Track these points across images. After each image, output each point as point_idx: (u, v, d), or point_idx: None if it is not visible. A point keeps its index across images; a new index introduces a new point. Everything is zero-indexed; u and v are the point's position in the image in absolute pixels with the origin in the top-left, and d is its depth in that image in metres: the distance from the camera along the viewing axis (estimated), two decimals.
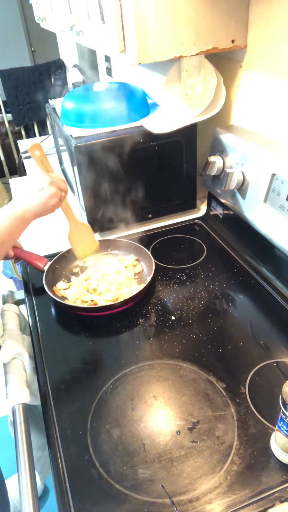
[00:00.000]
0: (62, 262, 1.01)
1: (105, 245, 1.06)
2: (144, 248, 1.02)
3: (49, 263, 0.98)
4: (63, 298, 0.92)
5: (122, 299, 0.88)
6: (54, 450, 0.65)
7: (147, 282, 0.92)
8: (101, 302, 0.89)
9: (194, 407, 0.68)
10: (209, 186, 1.14)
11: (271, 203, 0.88)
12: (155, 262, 1.00)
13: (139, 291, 0.89)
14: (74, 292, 0.92)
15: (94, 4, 0.95)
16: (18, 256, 0.98)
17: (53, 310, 0.93)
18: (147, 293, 0.94)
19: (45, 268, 0.96)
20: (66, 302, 0.90)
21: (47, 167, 0.84)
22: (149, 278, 0.93)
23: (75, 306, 0.89)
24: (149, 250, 1.03)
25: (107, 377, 0.75)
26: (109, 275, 0.96)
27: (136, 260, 1.03)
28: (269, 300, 0.90)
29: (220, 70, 1.07)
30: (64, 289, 0.96)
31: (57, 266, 0.99)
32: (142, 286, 0.92)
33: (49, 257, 1.01)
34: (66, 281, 0.99)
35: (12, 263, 2.36)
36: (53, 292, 0.92)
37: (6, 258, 0.94)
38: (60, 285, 0.97)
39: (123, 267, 1.00)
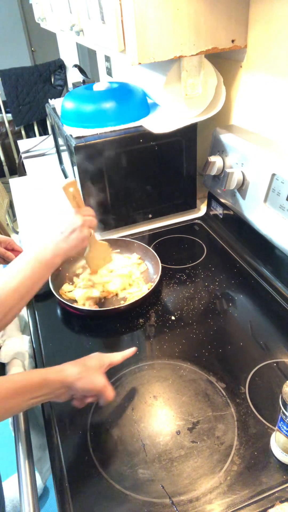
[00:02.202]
0: (65, 264, 1.01)
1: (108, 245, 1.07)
2: (149, 247, 1.02)
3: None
4: (71, 300, 0.92)
5: (132, 300, 0.88)
6: (54, 450, 0.65)
7: (155, 282, 0.92)
8: (112, 287, 0.91)
9: (194, 407, 0.68)
10: (209, 186, 1.14)
11: (271, 203, 0.88)
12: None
13: (149, 291, 0.89)
14: (82, 293, 0.92)
15: (94, 4, 0.95)
16: None
17: (53, 310, 0.93)
18: (148, 293, 0.94)
19: None
20: (75, 305, 0.90)
21: (79, 203, 0.79)
22: (155, 277, 0.93)
23: (85, 309, 0.88)
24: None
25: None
26: (115, 270, 0.97)
27: (140, 259, 1.03)
28: (269, 300, 0.90)
29: (220, 70, 1.07)
30: (70, 291, 0.95)
31: (60, 269, 0.99)
32: (150, 285, 0.92)
33: None
34: (70, 283, 0.98)
35: None
36: (60, 295, 0.92)
37: (8, 262, 0.93)
38: (66, 288, 0.96)
39: (129, 263, 1.00)
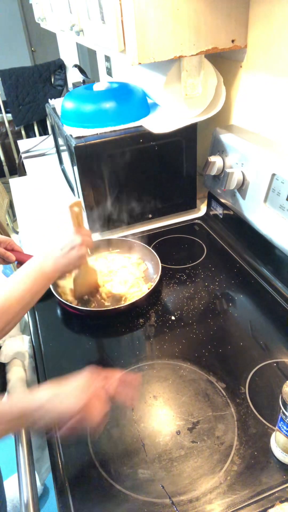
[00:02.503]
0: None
1: (107, 245, 1.07)
2: (149, 247, 1.02)
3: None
4: (68, 300, 0.92)
5: (132, 300, 0.88)
6: (54, 450, 0.65)
7: (155, 282, 0.92)
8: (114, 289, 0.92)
9: (194, 407, 0.68)
10: (209, 186, 1.14)
11: (271, 203, 0.88)
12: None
13: (150, 291, 0.89)
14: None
15: (94, 4, 0.95)
16: (20, 260, 0.98)
17: (53, 310, 0.93)
18: (148, 293, 0.94)
19: None
20: (74, 305, 0.90)
21: (80, 222, 0.81)
22: (155, 277, 0.93)
23: (85, 309, 0.88)
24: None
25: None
26: (115, 271, 0.97)
27: (140, 259, 1.03)
28: (269, 300, 0.90)
29: (220, 70, 1.07)
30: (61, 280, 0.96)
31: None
32: (150, 285, 0.92)
33: None
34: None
35: (12, 264, 2.35)
36: (60, 294, 0.92)
37: (8, 262, 0.93)
38: (60, 282, 0.97)
39: (129, 263, 1.00)
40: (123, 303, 0.88)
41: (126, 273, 0.97)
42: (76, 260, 0.77)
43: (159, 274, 0.93)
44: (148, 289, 0.91)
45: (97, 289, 0.94)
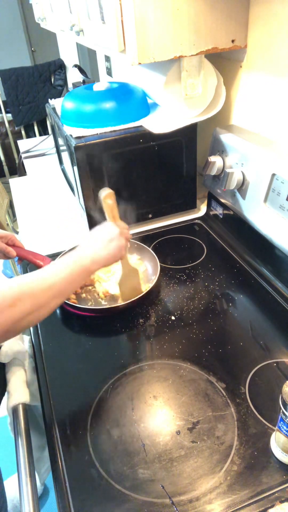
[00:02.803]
0: None
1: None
2: (148, 247, 1.02)
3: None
4: (74, 302, 0.92)
5: (129, 300, 0.88)
6: (54, 450, 0.65)
7: (152, 283, 0.92)
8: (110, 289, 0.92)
9: (194, 407, 0.68)
10: (209, 186, 1.14)
11: (271, 203, 0.88)
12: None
13: (146, 292, 0.89)
14: None
15: (94, 4, 0.95)
16: (21, 256, 0.98)
17: None
18: (147, 293, 0.94)
19: None
20: (71, 302, 0.90)
21: (115, 216, 0.82)
22: (154, 278, 0.93)
23: (81, 307, 0.89)
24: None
25: (107, 377, 0.75)
26: (113, 271, 0.97)
27: (139, 259, 1.03)
28: (269, 300, 0.90)
29: (220, 70, 1.07)
30: None
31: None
32: (148, 286, 0.92)
33: (52, 256, 1.01)
34: None
35: (12, 263, 2.36)
36: None
37: (8, 257, 0.93)
38: None
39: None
40: (120, 303, 0.89)
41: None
42: (116, 252, 0.76)
43: (157, 275, 0.93)
44: (145, 290, 0.91)
45: (140, 291, 0.92)
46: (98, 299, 0.93)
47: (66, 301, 0.88)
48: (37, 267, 0.98)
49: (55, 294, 0.66)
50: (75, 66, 2.32)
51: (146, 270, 1.00)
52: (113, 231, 0.77)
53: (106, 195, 0.80)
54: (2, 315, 0.57)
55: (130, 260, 1.02)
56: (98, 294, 0.94)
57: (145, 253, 1.02)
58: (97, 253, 0.74)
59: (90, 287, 0.97)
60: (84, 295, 0.95)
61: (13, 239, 0.95)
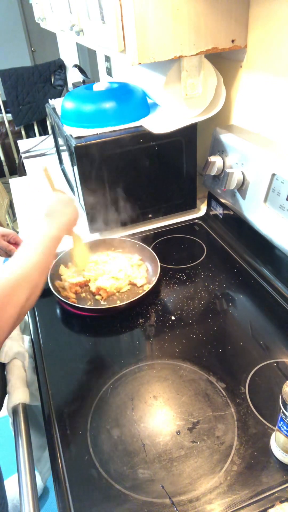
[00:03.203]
0: (67, 261, 1.02)
1: (108, 245, 1.07)
2: (149, 247, 1.02)
3: (54, 261, 0.98)
4: (67, 297, 0.92)
5: (128, 301, 0.88)
6: (54, 450, 0.65)
7: (152, 283, 0.92)
8: (105, 283, 0.93)
9: (194, 407, 0.68)
10: (209, 186, 1.14)
11: (271, 203, 0.88)
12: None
13: (145, 293, 0.89)
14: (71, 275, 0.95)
15: (94, 4, 0.95)
16: None
17: (53, 310, 0.93)
18: (147, 293, 0.94)
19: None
20: (71, 302, 0.90)
21: (54, 185, 0.87)
22: (154, 279, 0.93)
23: (79, 306, 0.89)
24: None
25: (107, 377, 0.75)
26: (112, 270, 0.98)
27: (140, 260, 1.03)
28: (269, 300, 0.90)
29: (220, 70, 1.07)
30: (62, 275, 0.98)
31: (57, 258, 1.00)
32: (147, 286, 0.92)
33: None
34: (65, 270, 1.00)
35: None
36: (58, 291, 0.92)
37: (10, 255, 0.94)
38: (63, 271, 0.99)
39: (129, 264, 1.00)
40: (119, 303, 0.89)
41: (122, 277, 0.97)
42: (75, 214, 0.81)
43: (157, 275, 0.93)
44: (144, 290, 0.91)
45: (88, 255, 0.98)
46: (96, 299, 0.93)
47: (66, 301, 0.88)
48: None
49: (42, 270, 0.69)
50: (75, 66, 2.32)
51: (147, 270, 1.00)
52: (64, 198, 0.82)
53: (44, 169, 0.86)
54: (9, 306, 0.60)
55: (131, 260, 1.03)
56: (93, 292, 0.94)
57: (146, 253, 1.02)
58: (60, 221, 0.77)
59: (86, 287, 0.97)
60: (83, 294, 0.95)
61: (15, 237, 0.95)
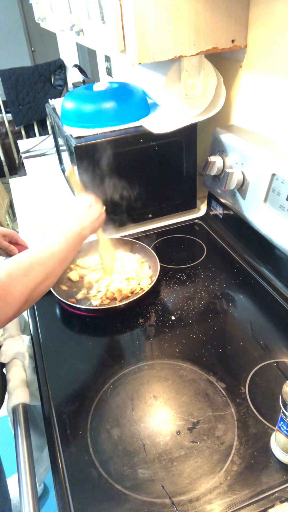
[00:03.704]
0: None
1: (115, 244, 1.07)
2: (148, 247, 1.02)
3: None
4: (67, 297, 0.92)
5: (127, 301, 0.88)
6: (54, 450, 0.65)
7: (152, 283, 0.92)
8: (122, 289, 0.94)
9: (194, 407, 0.68)
10: (209, 186, 1.14)
11: (271, 203, 0.88)
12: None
13: (145, 292, 0.89)
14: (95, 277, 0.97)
15: (94, 4, 0.95)
16: None
17: (53, 310, 0.93)
18: (147, 293, 0.94)
19: None
20: (70, 302, 0.90)
21: (82, 188, 0.91)
22: (154, 279, 0.93)
23: (81, 307, 0.89)
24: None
25: (107, 377, 0.75)
26: (126, 271, 0.99)
27: (142, 258, 1.03)
28: (269, 300, 0.90)
29: (220, 70, 1.07)
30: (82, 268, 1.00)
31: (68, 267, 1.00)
32: (147, 286, 0.92)
33: None
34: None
35: None
36: (58, 290, 0.92)
37: (11, 256, 0.94)
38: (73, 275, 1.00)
39: (136, 263, 1.01)
40: (118, 303, 0.89)
41: (128, 271, 0.97)
42: (98, 215, 0.85)
43: (157, 275, 0.93)
44: (143, 290, 0.91)
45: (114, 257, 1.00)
46: (92, 297, 0.93)
47: (66, 301, 0.88)
48: None
49: (61, 260, 0.72)
50: (75, 66, 2.32)
51: (150, 267, 1.00)
52: (89, 199, 0.85)
53: (70, 172, 0.91)
54: (19, 284, 0.62)
55: (133, 259, 1.03)
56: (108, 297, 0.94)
57: (146, 253, 1.02)
58: (82, 220, 0.81)
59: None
60: (75, 289, 0.96)
61: (16, 237, 0.95)
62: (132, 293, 0.93)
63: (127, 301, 0.88)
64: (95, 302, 0.91)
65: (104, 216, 0.88)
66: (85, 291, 0.95)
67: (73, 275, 0.99)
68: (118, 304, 0.89)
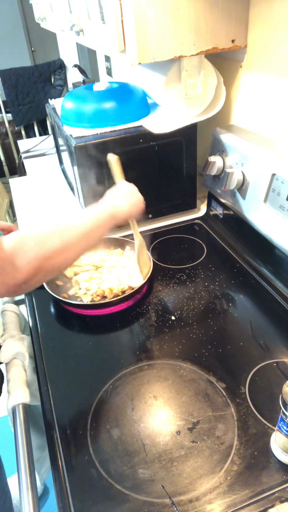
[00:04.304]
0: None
1: (109, 244, 1.07)
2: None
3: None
4: (60, 293, 0.92)
5: (122, 295, 0.88)
6: (54, 450, 0.65)
7: (145, 279, 0.92)
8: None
9: (194, 407, 0.68)
10: (209, 186, 1.14)
11: (271, 203, 0.88)
12: (155, 262, 1.01)
13: (136, 289, 0.89)
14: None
15: (94, 4, 0.95)
16: None
17: (53, 310, 0.93)
18: (147, 293, 0.94)
19: None
20: (65, 298, 0.90)
21: (123, 177, 0.92)
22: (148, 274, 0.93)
23: (72, 303, 0.89)
24: (149, 250, 1.03)
25: (107, 377, 0.75)
26: (110, 268, 0.98)
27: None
28: (269, 300, 0.90)
29: (220, 70, 1.07)
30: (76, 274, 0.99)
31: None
32: (141, 281, 0.92)
33: None
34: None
35: None
36: (53, 288, 0.92)
37: None
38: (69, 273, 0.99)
39: (127, 263, 1.00)
40: (108, 300, 0.89)
41: (120, 271, 0.97)
42: (138, 202, 0.85)
43: (149, 273, 0.93)
44: (132, 289, 0.91)
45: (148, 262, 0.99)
46: (84, 295, 0.94)
47: (57, 296, 0.88)
48: None
49: (82, 235, 0.70)
50: (75, 66, 2.32)
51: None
52: (129, 187, 0.86)
53: (116, 160, 0.91)
54: (30, 250, 0.60)
55: (130, 259, 1.03)
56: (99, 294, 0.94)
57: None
58: (117, 201, 0.81)
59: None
60: (75, 290, 0.96)
61: (13, 230, 0.95)
62: (123, 292, 0.93)
63: (121, 296, 0.87)
64: (86, 299, 0.91)
65: (143, 206, 0.87)
66: (77, 288, 0.95)
67: (68, 272, 0.99)
68: (108, 300, 0.88)
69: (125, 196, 0.83)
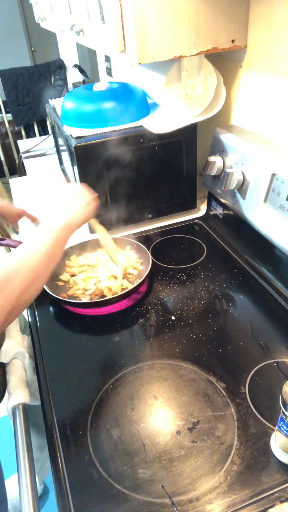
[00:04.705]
0: (64, 257, 1.03)
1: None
2: (144, 247, 1.02)
3: (62, 251, 0.97)
4: (59, 293, 0.92)
5: (121, 293, 0.88)
6: (54, 450, 0.65)
7: (141, 278, 0.92)
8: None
9: (194, 407, 0.68)
10: (209, 186, 1.14)
11: (271, 203, 0.88)
12: (155, 262, 1.01)
13: (134, 287, 0.90)
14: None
15: (94, 4, 0.95)
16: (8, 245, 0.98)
17: (53, 310, 0.93)
18: (147, 293, 0.94)
19: None
20: (63, 297, 0.91)
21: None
22: (146, 273, 0.93)
23: (70, 302, 0.89)
24: (149, 250, 1.03)
25: (107, 377, 0.75)
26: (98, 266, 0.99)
27: (139, 258, 1.03)
28: (269, 300, 0.90)
29: (220, 70, 1.07)
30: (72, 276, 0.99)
31: (59, 261, 1.00)
32: (141, 278, 0.92)
33: None
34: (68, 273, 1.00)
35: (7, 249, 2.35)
36: (52, 288, 0.92)
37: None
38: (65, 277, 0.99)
39: (126, 262, 1.01)
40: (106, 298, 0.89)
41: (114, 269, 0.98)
42: (89, 202, 0.80)
43: (148, 270, 0.93)
44: (126, 288, 0.91)
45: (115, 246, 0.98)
46: (82, 295, 0.94)
47: (57, 296, 0.88)
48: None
49: (47, 259, 0.66)
50: (75, 66, 2.32)
51: (142, 270, 1.00)
52: (75, 188, 0.81)
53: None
54: (1, 295, 0.56)
55: (130, 258, 1.03)
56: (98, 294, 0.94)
57: (142, 253, 1.02)
58: (71, 208, 0.76)
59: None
60: (74, 289, 0.96)
61: (27, 214, 0.97)
62: (122, 290, 0.93)
63: (120, 293, 0.88)
64: (85, 299, 0.92)
65: (96, 203, 0.82)
66: (76, 288, 0.95)
67: (64, 276, 0.99)
68: (107, 298, 0.88)
69: (74, 200, 0.78)
